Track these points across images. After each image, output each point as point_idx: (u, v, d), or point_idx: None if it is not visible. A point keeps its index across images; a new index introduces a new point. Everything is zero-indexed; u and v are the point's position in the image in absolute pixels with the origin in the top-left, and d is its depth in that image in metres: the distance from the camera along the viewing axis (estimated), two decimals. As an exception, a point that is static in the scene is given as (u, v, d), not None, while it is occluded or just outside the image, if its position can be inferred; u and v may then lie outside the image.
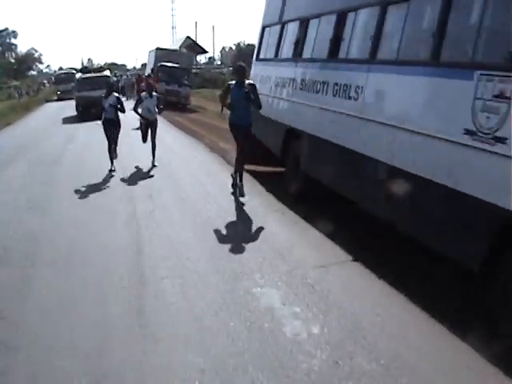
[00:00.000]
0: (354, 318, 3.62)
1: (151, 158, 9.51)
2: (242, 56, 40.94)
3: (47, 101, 32.19)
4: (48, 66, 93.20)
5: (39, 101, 32.46)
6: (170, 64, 22.31)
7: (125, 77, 28.46)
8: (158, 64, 23.02)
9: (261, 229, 5.70)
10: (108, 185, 8.31)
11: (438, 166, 3.92)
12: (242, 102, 6.73)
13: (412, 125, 4.24)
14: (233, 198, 6.99)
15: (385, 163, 4.61)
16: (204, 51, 35.74)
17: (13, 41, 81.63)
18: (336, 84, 5.67)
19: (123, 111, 9.57)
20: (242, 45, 59.92)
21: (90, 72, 22.02)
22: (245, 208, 6.57)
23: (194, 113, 21.78)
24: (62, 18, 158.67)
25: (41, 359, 3.23)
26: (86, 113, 17.90)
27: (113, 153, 9.48)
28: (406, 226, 4.44)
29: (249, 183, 7.44)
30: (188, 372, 3.00)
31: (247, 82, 6.96)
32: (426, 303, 3.74)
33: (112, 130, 9.49)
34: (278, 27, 7.94)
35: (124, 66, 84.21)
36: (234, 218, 6.21)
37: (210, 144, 11.65)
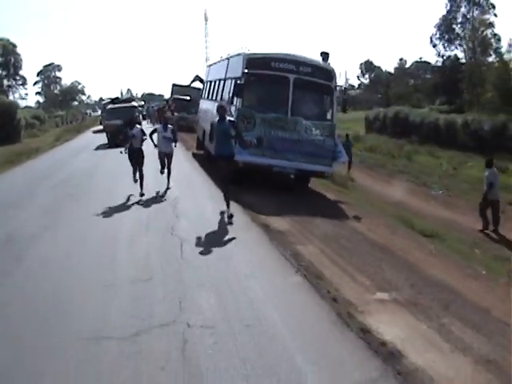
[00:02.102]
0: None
1: (167, 179, 12.70)
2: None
3: (94, 132, 42.67)
4: (89, 96, 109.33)
5: (86, 127, 45.43)
6: (181, 97, 33.94)
7: (150, 107, 40.03)
8: (173, 97, 34.93)
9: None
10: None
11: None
12: (223, 136, 9.66)
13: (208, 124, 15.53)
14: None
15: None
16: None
17: (57, 74, 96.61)
18: (207, 108, 17.03)
19: (146, 138, 12.38)
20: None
21: (119, 103, 28.35)
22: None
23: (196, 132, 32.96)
24: (103, 50, 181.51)
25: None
26: (113, 138, 22.45)
27: (136, 176, 12.11)
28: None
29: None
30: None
31: (228, 119, 9.90)
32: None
33: (136, 158, 12.06)
34: (205, 84, 19.47)
35: (162, 96, 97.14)
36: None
37: (187, 145, 23.08)
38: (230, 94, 13.82)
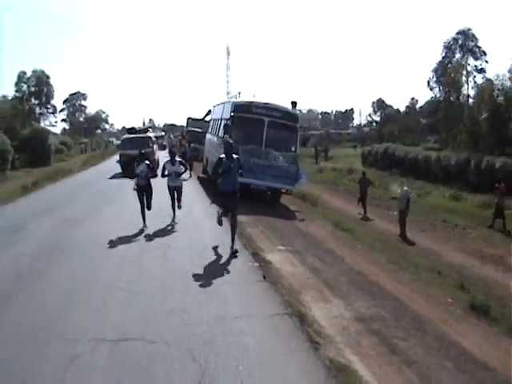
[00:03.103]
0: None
1: (173, 212, 13.81)
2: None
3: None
4: (112, 124, 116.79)
5: (109, 154, 51.84)
6: (193, 129, 39.73)
7: (170, 138, 46.28)
8: (187, 129, 40.94)
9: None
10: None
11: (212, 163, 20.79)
12: (231, 171, 10.62)
13: (211, 154, 21.30)
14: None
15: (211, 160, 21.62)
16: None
17: (83, 102, 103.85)
18: (211, 141, 22.84)
19: (154, 176, 13.44)
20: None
21: (135, 133, 29.95)
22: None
23: (211, 161, 39.38)
24: (127, 81, 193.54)
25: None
26: (127, 168, 23.02)
27: (145, 213, 12.97)
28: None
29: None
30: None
31: (234, 156, 10.89)
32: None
33: (144, 194, 13.00)
34: (211, 121, 25.38)
35: (183, 127, 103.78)
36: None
37: (194, 171, 28.83)
38: (221, 132, 19.56)
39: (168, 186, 13.69)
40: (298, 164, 19.15)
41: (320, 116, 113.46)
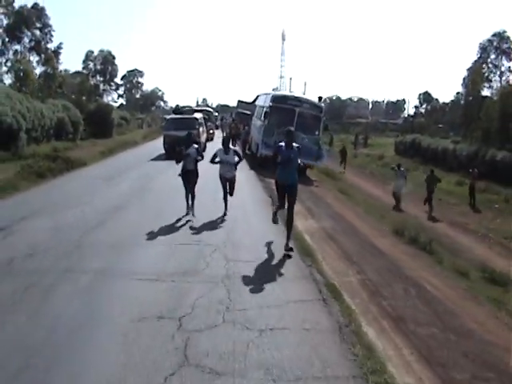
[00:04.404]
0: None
1: (224, 203, 13.90)
2: (332, 109, 63.88)
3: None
4: (166, 102, 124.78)
5: (165, 129, 59.28)
6: (243, 111, 45.95)
7: (223, 119, 52.93)
8: (236, 111, 47.37)
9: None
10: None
11: (254, 141, 27.33)
12: (289, 162, 10.30)
13: (255, 134, 27.91)
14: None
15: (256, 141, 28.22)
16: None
17: (139, 79, 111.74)
18: (255, 123, 29.40)
19: (202, 159, 13.22)
20: (327, 99, 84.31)
21: (181, 113, 32.92)
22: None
23: (256, 142, 45.86)
24: (183, 61, 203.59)
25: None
26: (170, 150, 25.39)
27: (189, 199, 13.26)
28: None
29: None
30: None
31: (295, 145, 10.44)
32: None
33: (190, 179, 13.23)
34: (256, 107, 31.95)
35: (235, 107, 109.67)
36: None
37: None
38: (262, 117, 26.03)
39: (220, 177, 13.59)
40: (320, 145, 25.42)
41: (371, 105, 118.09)
